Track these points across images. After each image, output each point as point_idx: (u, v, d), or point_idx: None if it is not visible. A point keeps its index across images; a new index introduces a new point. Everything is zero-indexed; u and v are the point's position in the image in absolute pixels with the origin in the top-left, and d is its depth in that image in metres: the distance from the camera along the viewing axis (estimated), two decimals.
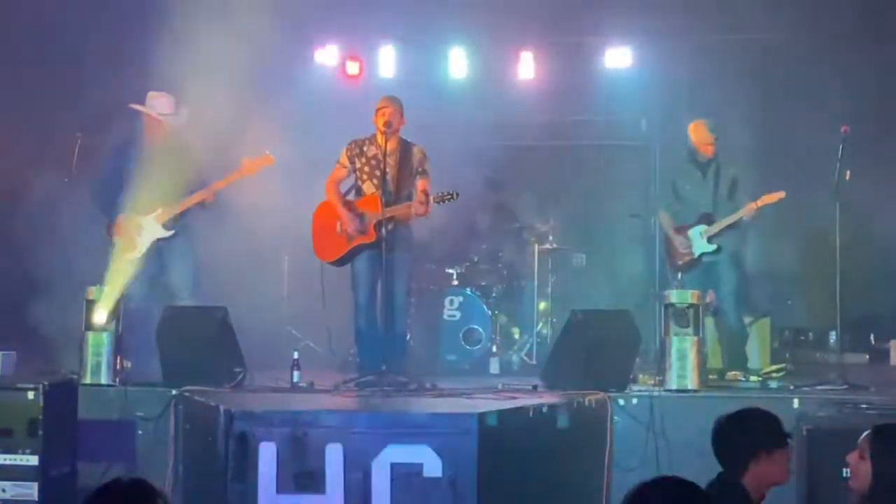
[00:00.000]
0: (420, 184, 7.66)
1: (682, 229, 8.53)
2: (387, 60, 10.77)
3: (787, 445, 4.28)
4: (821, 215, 8.09)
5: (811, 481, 6.05)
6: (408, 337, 8.35)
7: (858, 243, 8.14)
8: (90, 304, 7.40)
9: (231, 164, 8.03)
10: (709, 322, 8.22)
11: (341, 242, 7.68)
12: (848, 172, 7.82)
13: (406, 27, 10.54)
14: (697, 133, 8.55)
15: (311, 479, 5.75)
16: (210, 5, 7.95)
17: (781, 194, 8.27)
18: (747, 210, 8.30)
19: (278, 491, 5.74)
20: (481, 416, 5.90)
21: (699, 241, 8.46)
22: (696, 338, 7.32)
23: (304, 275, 8.59)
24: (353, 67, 10.74)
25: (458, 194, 7.55)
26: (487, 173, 9.92)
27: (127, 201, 8.04)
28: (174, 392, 6.85)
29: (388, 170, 7.55)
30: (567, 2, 10.12)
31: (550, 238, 10.10)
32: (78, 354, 7.35)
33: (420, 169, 7.70)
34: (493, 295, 9.75)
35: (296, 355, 7.51)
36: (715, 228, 8.44)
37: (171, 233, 8.05)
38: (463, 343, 9.35)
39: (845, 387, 7.51)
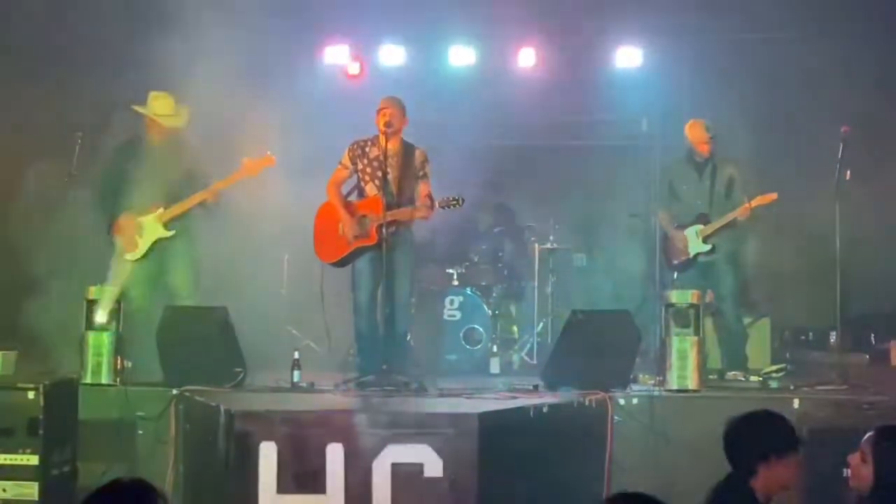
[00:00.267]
0: (421, 187, 7.67)
1: (678, 229, 8.55)
2: (389, 60, 10.75)
3: (797, 450, 4.27)
4: (821, 215, 8.08)
5: (811, 481, 6.05)
6: (408, 337, 8.35)
7: (859, 243, 8.12)
8: (91, 304, 7.41)
9: (232, 165, 8.03)
10: (707, 322, 8.22)
11: (342, 244, 7.67)
12: (848, 172, 7.82)
13: (407, 25, 10.53)
14: (694, 132, 8.56)
15: (311, 479, 5.75)
16: (211, 4, 7.95)
17: (774, 196, 8.29)
18: (741, 211, 8.31)
19: (278, 491, 5.74)
20: (482, 416, 5.90)
21: (695, 240, 8.48)
22: (696, 338, 7.33)
23: (304, 275, 8.58)
24: (353, 67, 10.74)
25: (463, 200, 7.55)
26: (488, 173, 9.92)
27: (128, 201, 8.06)
28: (174, 392, 6.85)
29: (389, 171, 7.54)
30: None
31: (551, 238, 10.10)
32: (78, 354, 7.35)
33: (421, 172, 7.70)
34: (494, 295, 9.76)
35: (296, 355, 7.51)
36: (710, 229, 8.45)
37: (171, 233, 8.06)
38: (463, 343, 9.36)
39: (845, 387, 7.52)
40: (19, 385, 6.18)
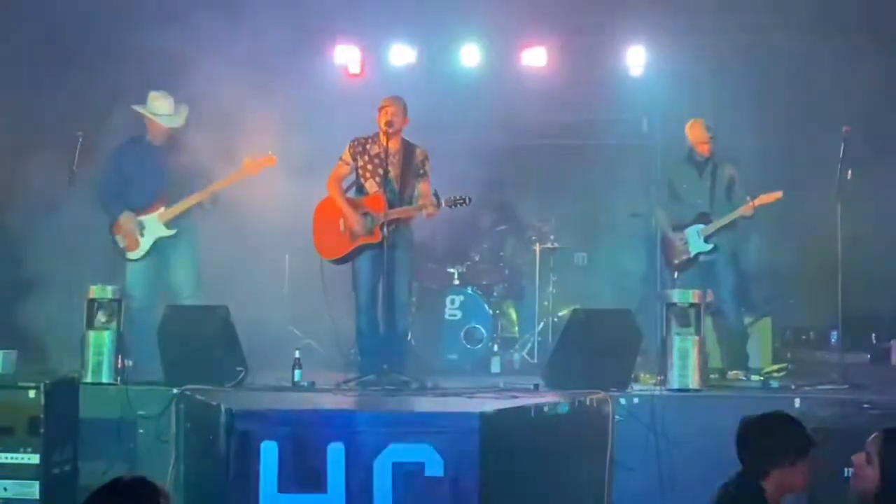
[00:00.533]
0: (422, 185, 7.67)
1: (679, 228, 8.54)
2: (399, 60, 10.73)
3: (809, 454, 4.23)
4: (822, 215, 8.09)
5: (811, 481, 6.03)
6: (409, 336, 8.35)
7: (860, 243, 8.12)
8: (91, 303, 7.40)
9: (233, 164, 8.03)
10: (708, 321, 8.22)
11: (344, 241, 7.66)
12: (849, 172, 7.82)
13: (408, 24, 10.53)
14: (694, 131, 8.56)
15: (312, 478, 5.74)
16: (212, 4, 7.96)
17: (779, 194, 8.28)
18: (744, 209, 8.31)
19: (279, 490, 5.73)
20: (483, 416, 5.89)
21: (696, 240, 8.47)
22: (697, 337, 7.32)
23: (305, 274, 8.58)
24: (354, 66, 10.74)
25: (471, 199, 7.56)
26: (490, 172, 9.91)
27: (129, 200, 8.06)
28: (175, 391, 6.84)
29: (391, 170, 7.54)
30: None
31: (552, 237, 10.09)
32: (79, 353, 7.34)
33: (422, 171, 7.71)
34: (495, 294, 9.76)
35: (297, 354, 7.50)
36: (711, 228, 8.45)
37: (172, 232, 8.06)
38: (464, 342, 9.35)
39: (846, 386, 7.52)
40: (20, 384, 6.18)
